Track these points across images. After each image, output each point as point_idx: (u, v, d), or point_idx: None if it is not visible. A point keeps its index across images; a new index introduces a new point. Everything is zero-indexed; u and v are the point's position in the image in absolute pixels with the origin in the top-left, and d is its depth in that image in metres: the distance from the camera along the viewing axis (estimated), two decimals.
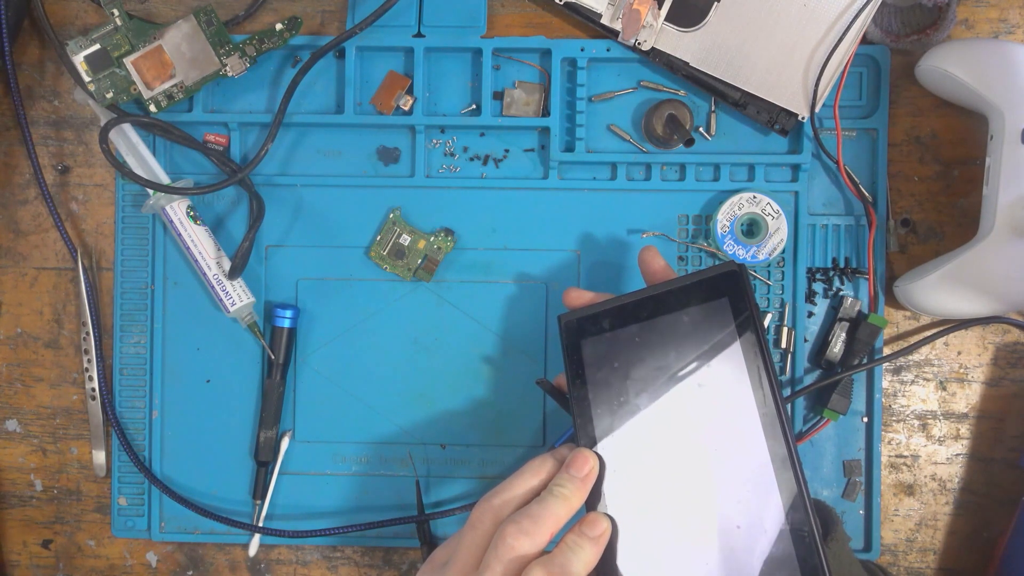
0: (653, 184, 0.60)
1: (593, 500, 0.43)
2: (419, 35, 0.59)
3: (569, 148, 0.59)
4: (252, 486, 0.60)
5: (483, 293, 0.60)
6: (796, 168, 0.59)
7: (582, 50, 0.59)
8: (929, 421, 0.60)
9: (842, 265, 0.59)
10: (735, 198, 0.58)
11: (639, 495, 0.43)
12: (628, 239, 0.60)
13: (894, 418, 0.60)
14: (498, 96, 0.60)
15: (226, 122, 0.60)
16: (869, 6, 0.56)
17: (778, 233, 0.58)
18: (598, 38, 0.59)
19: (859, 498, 0.59)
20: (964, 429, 0.60)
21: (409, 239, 0.59)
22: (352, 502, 0.60)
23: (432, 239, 0.59)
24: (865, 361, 0.58)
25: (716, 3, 0.57)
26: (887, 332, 0.60)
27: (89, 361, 0.60)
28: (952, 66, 0.55)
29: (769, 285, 0.59)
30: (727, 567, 0.41)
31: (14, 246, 0.62)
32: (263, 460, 0.60)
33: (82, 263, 0.60)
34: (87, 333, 0.60)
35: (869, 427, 0.59)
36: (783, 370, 0.59)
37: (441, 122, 0.59)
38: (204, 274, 0.58)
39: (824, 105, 0.58)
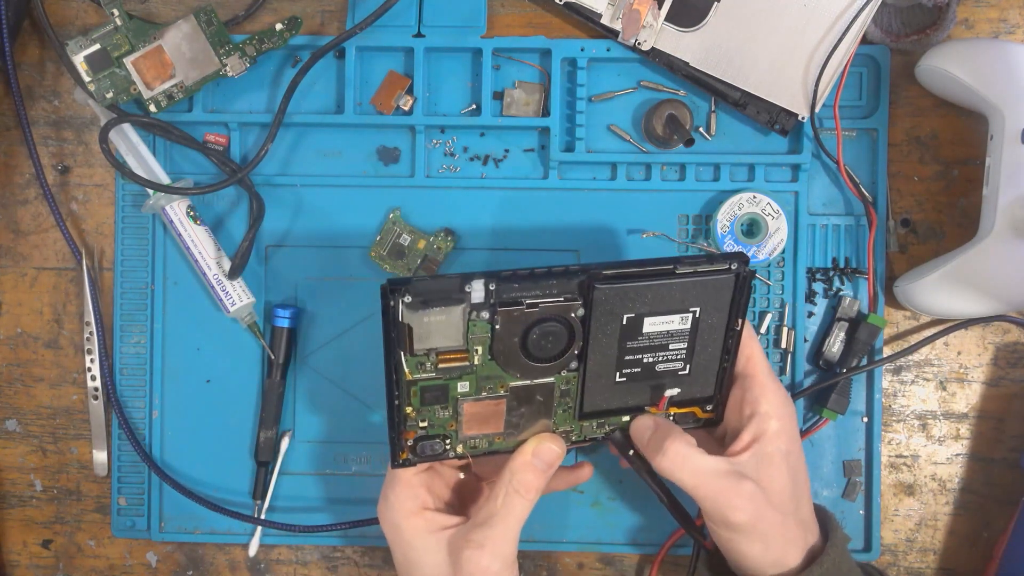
0: (653, 184, 0.60)
1: None
2: (419, 35, 0.59)
3: (569, 148, 0.59)
4: (252, 486, 0.60)
5: None
6: (796, 168, 0.59)
7: (582, 50, 0.59)
8: (929, 421, 0.60)
9: (842, 265, 0.59)
10: (735, 198, 0.58)
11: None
12: (628, 239, 0.59)
13: (894, 418, 0.60)
14: (498, 96, 0.60)
15: (226, 122, 0.60)
16: (869, 6, 0.56)
17: (778, 233, 0.58)
18: (598, 38, 0.59)
19: (859, 498, 0.59)
20: (964, 429, 0.60)
21: (409, 239, 0.59)
22: (352, 502, 0.60)
23: (432, 239, 0.59)
24: (865, 361, 0.58)
25: (716, 3, 0.57)
26: (887, 332, 0.60)
27: (92, 360, 0.60)
28: (952, 66, 0.55)
29: (769, 285, 0.59)
30: None
31: (14, 246, 0.62)
32: (263, 460, 0.60)
33: (86, 262, 0.60)
34: (91, 333, 0.60)
35: (869, 427, 0.59)
36: (783, 370, 0.59)
37: (441, 122, 0.59)
38: (204, 274, 0.58)
39: (824, 105, 0.58)
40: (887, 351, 0.60)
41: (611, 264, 0.46)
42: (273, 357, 0.59)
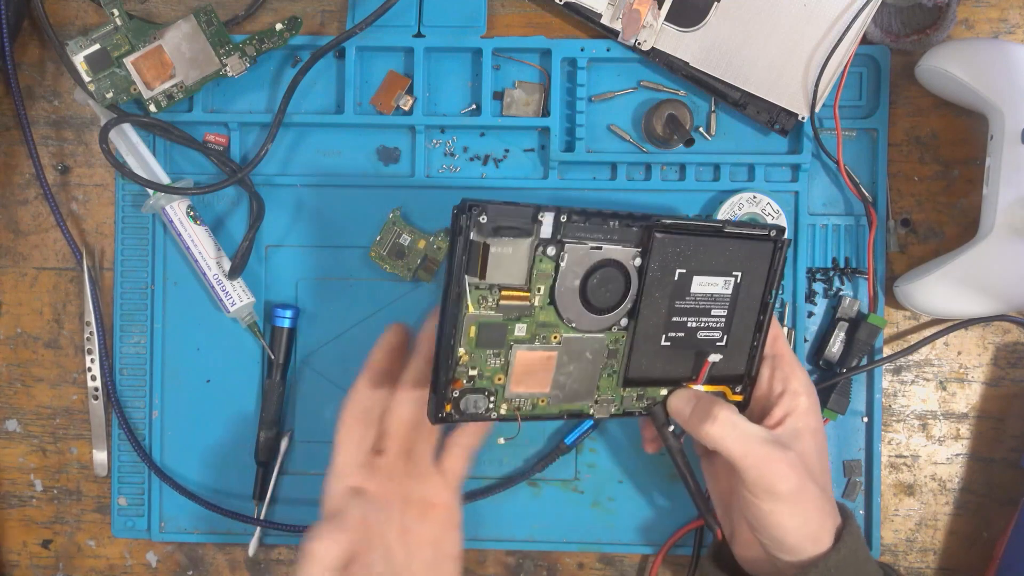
0: (653, 184, 0.60)
1: None
2: (419, 35, 0.59)
3: (569, 148, 0.59)
4: (252, 486, 0.60)
5: None
6: (796, 168, 0.59)
7: (582, 50, 0.59)
8: (929, 421, 0.60)
9: (842, 265, 0.59)
10: (735, 198, 0.58)
11: None
12: None
13: (894, 418, 0.60)
14: (498, 96, 0.60)
15: (226, 122, 0.60)
16: (869, 6, 0.56)
17: None
18: (598, 38, 0.59)
19: (859, 498, 0.59)
20: (964, 429, 0.60)
21: (409, 239, 0.59)
22: None
23: (432, 239, 0.59)
24: (865, 361, 0.58)
25: (716, 3, 0.57)
26: (887, 332, 0.60)
27: (92, 360, 0.60)
28: (952, 66, 0.55)
29: None
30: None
31: (14, 246, 0.62)
32: (263, 460, 0.60)
33: (86, 262, 0.60)
34: (91, 333, 0.60)
35: (869, 427, 0.59)
36: None
37: (441, 122, 0.59)
38: (204, 274, 0.58)
39: (824, 105, 0.58)
40: (887, 351, 0.60)
41: (669, 215, 0.49)
42: (273, 357, 0.59)
